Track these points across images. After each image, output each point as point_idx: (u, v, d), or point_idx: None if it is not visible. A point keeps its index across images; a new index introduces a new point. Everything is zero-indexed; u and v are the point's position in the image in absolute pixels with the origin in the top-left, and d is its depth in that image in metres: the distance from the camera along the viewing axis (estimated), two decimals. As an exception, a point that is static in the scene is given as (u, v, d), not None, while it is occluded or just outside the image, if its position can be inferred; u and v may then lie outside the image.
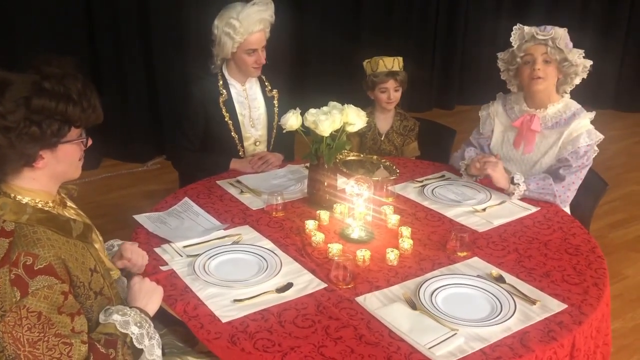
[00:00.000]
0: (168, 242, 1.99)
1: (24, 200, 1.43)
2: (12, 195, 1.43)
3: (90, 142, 1.52)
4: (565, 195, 2.36)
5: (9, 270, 1.33)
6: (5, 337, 1.31)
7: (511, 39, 2.45)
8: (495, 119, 2.64)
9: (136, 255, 1.75)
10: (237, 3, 2.65)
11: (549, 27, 2.39)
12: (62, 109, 1.38)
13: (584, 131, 2.39)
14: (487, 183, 2.49)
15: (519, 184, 2.33)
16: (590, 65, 2.42)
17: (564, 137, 2.42)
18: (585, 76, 2.44)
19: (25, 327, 1.30)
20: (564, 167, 2.38)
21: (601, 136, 2.41)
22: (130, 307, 1.52)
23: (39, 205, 1.45)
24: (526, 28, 2.41)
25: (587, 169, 2.40)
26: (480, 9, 6.11)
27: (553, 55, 2.38)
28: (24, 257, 1.34)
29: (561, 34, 2.37)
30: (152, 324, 1.52)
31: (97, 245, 1.59)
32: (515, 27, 2.44)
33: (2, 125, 1.34)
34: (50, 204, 1.48)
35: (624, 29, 6.14)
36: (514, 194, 2.34)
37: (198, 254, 1.90)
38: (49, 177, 1.47)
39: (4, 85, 1.35)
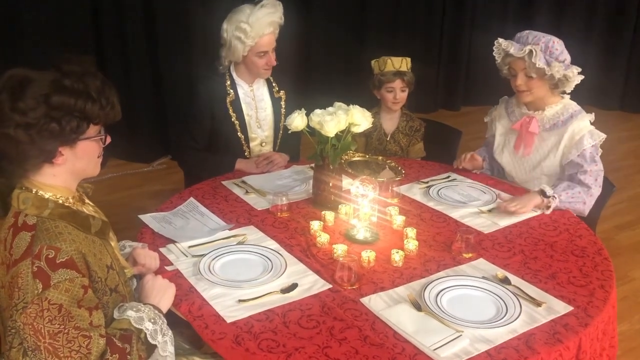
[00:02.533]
0: (173, 242, 1.99)
1: (46, 196, 1.46)
2: (34, 190, 1.46)
3: (109, 139, 1.55)
4: (590, 203, 2.35)
5: (31, 262, 1.35)
6: (26, 328, 1.33)
7: (494, 53, 2.44)
8: (497, 123, 2.64)
9: (149, 259, 1.78)
10: (246, 6, 2.64)
11: (530, 37, 2.34)
12: (81, 105, 1.41)
13: (585, 132, 2.38)
14: (493, 184, 2.49)
15: (554, 197, 2.25)
16: (579, 72, 2.35)
17: (565, 140, 2.40)
18: (578, 81, 2.38)
19: (46, 319, 1.32)
20: (580, 172, 2.36)
21: (603, 135, 2.39)
22: (144, 304, 1.54)
23: (60, 201, 1.47)
24: (503, 43, 2.38)
25: (602, 174, 2.38)
26: (486, 9, 6.10)
27: (531, 71, 2.34)
28: (46, 250, 1.36)
29: (538, 50, 2.29)
30: (165, 321, 1.53)
31: (112, 243, 1.61)
32: (496, 41, 2.42)
33: (23, 122, 1.37)
34: (71, 200, 1.51)
35: (631, 31, 6.11)
36: (549, 207, 2.24)
37: (203, 254, 1.90)
38: (68, 173, 1.49)
39: (26, 82, 1.38)
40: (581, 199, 2.31)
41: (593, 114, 2.45)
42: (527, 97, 2.44)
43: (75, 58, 1.47)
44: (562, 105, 2.45)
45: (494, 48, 2.43)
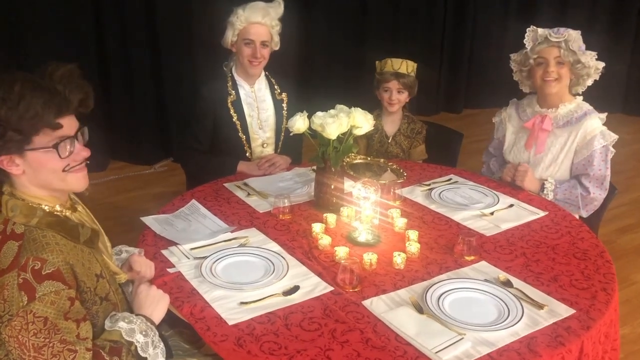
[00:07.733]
0: (175, 244, 1.99)
1: (34, 204, 1.44)
2: (23, 198, 1.45)
3: (70, 152, 1.44)
4: (590, 206, 2.44)
5: (17, 274, 1.33)
6: (11, 341, 1.32)
7: (525, 40, 2.45)
8: (508, 123, 2.66)
9: (145, 267, 1.77)
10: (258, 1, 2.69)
11: (562, 29, 2.39)
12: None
13: (597, 132, 2.42)
14: (495, 187, 2.49)
15: (547, 195, 2.42)
16: (603, 67, 2.43)
17: (578, 138, 2.43)
18: (597, 77, 2.45)
19: (31, 332, 1.31)
20: (584, 175, 2.42)
21: (615, 136, 2.44)
22: (136, 315, 1.53)
23: (48, 209, 1.46)
24: (540, 30, 2.41)
25: (609, 177, 2.42)
26: (487, 12, 6.10)
27: (566, 57, 2.38)
28: (32, 261, 1.35)
29: (574, 36, 2.37)
30: (157, 333, 1.52)
31: (103, 249, 1.59)
32: (528, 28, 2.44)
33: None
34: (59, 208, 1.49)
35: (632, 33, 6.12)
36: (545, 188, 2.44)
37: (205, 257, 1.90)
38: (35, 185, 1.45)
39: None
40: (577, 203, 2.40)
41: (606, 113, 2.48)
42: (554, 87, 2.43)
43: (61, 65, 1.41)
44: (576, 104, 2.49)
45: (526, 35, 2.43)
